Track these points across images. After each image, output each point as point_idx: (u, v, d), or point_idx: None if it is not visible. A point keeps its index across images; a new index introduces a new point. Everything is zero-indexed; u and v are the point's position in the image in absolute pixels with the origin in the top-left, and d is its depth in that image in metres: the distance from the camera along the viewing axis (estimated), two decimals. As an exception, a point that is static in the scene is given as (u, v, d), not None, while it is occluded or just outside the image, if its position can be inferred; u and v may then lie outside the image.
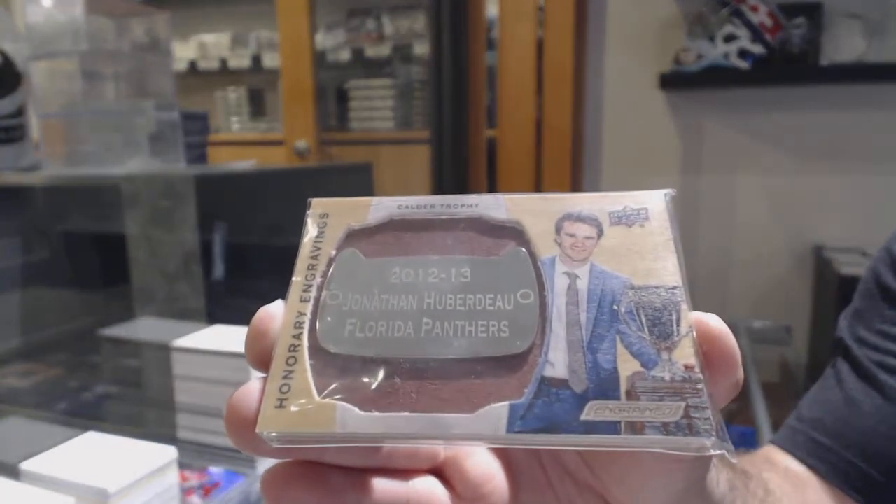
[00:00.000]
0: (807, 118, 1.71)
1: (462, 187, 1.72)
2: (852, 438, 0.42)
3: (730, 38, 1.64)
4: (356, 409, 0.17)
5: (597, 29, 1.85)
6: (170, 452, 0.59)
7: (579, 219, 0.20)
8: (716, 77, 1.68)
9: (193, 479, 0.66)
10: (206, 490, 0.64)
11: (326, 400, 0.17)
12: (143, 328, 0.84)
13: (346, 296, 0.19)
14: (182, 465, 0.62)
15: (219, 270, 0.84)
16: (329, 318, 0.19)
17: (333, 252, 0.20)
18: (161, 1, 1.09)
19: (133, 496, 0.54)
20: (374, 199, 0.21)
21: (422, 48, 2.13)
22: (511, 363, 0.18)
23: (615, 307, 0.18)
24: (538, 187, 1.93)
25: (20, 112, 0.98)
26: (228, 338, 0.71)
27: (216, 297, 0.83)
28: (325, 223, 0.21)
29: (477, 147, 1.85)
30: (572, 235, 0.19)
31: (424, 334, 0.18)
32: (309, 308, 0.19)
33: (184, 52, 2.47)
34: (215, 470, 0.67)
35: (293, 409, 0.17)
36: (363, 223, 0.21)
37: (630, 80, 1.83)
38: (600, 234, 0.19)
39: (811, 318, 1.73)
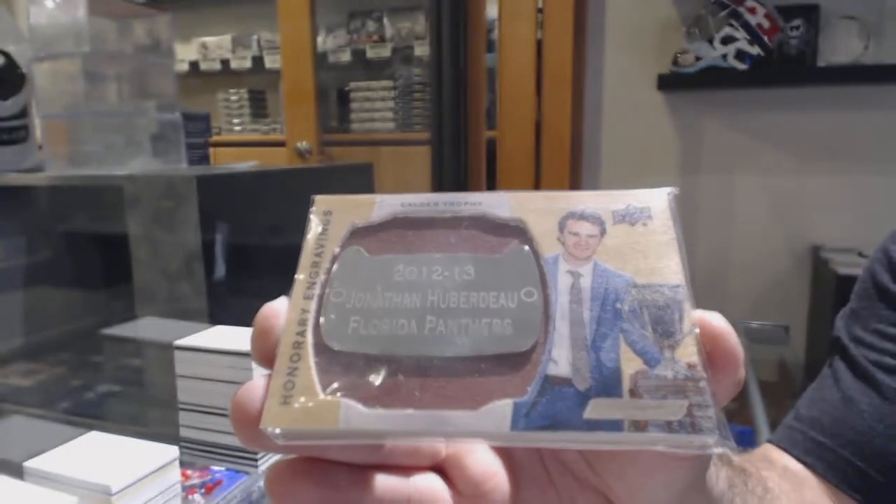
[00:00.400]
0: (804, 119, 1.72)
1: (462, 188, 1.72)
2: (850, 437, 0.43)
3: (728, 40, 1.64)
4: (360, 406, 0.17)
5: (596, 30, 1.85)
6: (172, 451, 0.59)
7: (582, 217, 0.20)
8: (714, 78, 1.68)
9: (195, 478, 0.66)
10: (208, 489, 0.65)
11: (330, 397, 0.17)
12: (145, 328, 0.84)
13: (349, 293, 0.19)
14: (184, 464, 0.63)
15: (220, 271, 0.84)
16: (333, 316, 0.19)
17: (337, 249, 0.20)
18: (163, 2, 1.10)
19: (135, 494, 0.55)
20: (378, 197, 0.21)
21: (422, 49, 2.14)
22: (514, 361, 0.18)
23: (618, 305, 0.18)
24: (537, 188, 1.93)
25: (23, 113, 0.99)
26: (230, 338, 0.72)
27: (218, 298, 0.83)
28: (328, 220, 0.21)
29: (477, 148, 1.85)
30: (575, 234, 0.19)
31: (428, 332, 0.18)
32: (313, 305, 0.19)
33: (185, 54, 2.47)
34: (217, 468, 0.68)
35: (297, 405, 0.17)
36: (367, 221, 0.21)
37: (629, 82, 1.84)
38: (603, 232, 0.19)
39: (809, 317, 1.74)
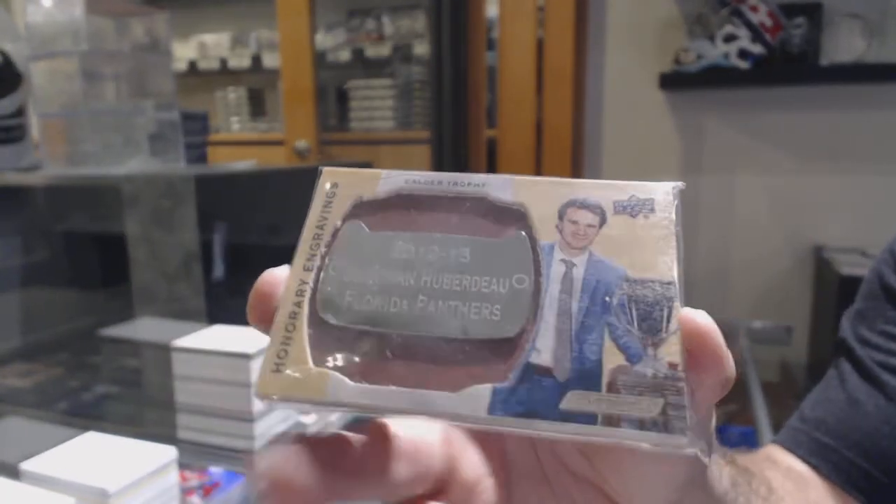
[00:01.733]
0: (807, 118, 1.71)
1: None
2: (855, 438, 0.43)
3: (730, 38, 1.63)
4: (347, 380, 0.18)
5: (597, 29, 1.85)
6: (170, 452, 0.59)
7: (583, 206, 0.20)
8: (716, 77, 1.68)
9: (193, 479, 0.65)
10: (206, 490, 0.64)
11: (320, 368, 0.18)
12: (143, 328, 0.83)
13: (347, 267, 0.20)
14: (182, 465, 0.62)
15: (219, 270, 0.83)
16: (329, 289, 0.19)
17: (339, 223, 0.20)
18: (161, 1, 1.09)
19: (133, 496, 0.54)
20: (384, 172, 0.21)
21: (422, 48, 2.13)
22: (500, 347, 0.18)
23: (608, 298, 0.18)
24: (538, 187, 1.92)
25: (20, 112, 0.98)
26: (228, 338, 0.71)
27: (216, 298, 0.83)
28: (333, 193, 0.21)
29: (477, 147, 1.85)
30: (574, 222, 0.19)
31: (418, 311, 0.18)
32: (311, 277, 0.19)
33: (184, 52, 2.47)
34: (215, 470, 0.67)
35: (288, 374, 0.18)
36: (371, 195, 0.21)
37: (630, 80, 1.83)
38: (603, 222, 0.19)
39: (811, 318, 1.73)
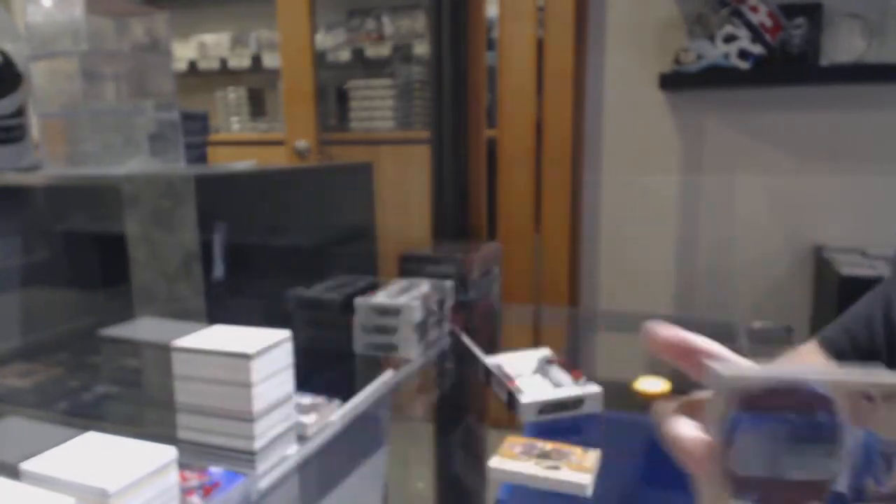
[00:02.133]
0: (807, 118, 1.71)
1: (462, 187, 1.72)
2: (858, 337, 0.62)
3: (730, 39, 1.64)
4: None
5: (597, 29, 1.85)
6: (170, 452, 0.58)
7: (865, 396, 0.31)
8: (716, 77, 1.68)
9: (193, 480, 0.65)
10: (206, 490, 0.64)
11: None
12: (143, 328, 0.83)
13: (745, 441, 0.32)
14: (182, 465, 0.62)
15: (219, 270, 0.84)
16: (741, 457, 0.32)
17: (732, 412, 0.32)
18: (161, 1, 1.09)
19: (133, 496, 0.54)
20: (750, 369, 0.33)
21: (422, 48, 2.14)
22: (824, 481, 0.31)
23: (871, 454, 0.31)
24: (538, 187, 1.93)
25: (20, 112, 0.99)
26: (228, 338, 0.71)
27: (216, 298, 0.83)
28: (721, 382, 0.32)
29: (477, 147, 1.85)
30: (855, 408, 0.31)
31: (785, 466, 0.31)
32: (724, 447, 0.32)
33: (184, 52, 2.47)
34: (215, 470, 0.67)
35: None
36: (743, 391, 0.32)
37: (630, 80, 1.83)
38: (872, 409, 0.31)
39: (811, 318, 1.73)
